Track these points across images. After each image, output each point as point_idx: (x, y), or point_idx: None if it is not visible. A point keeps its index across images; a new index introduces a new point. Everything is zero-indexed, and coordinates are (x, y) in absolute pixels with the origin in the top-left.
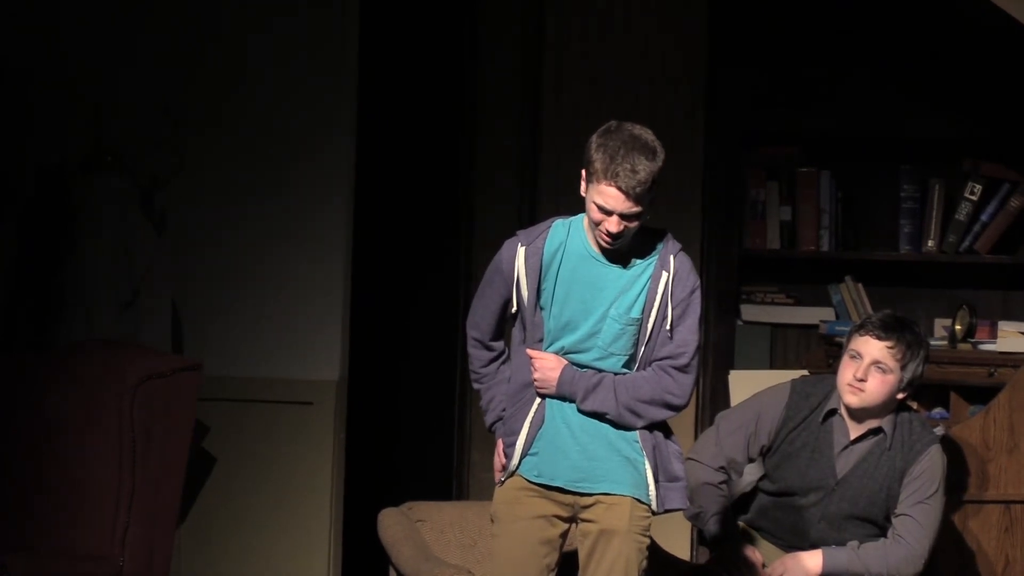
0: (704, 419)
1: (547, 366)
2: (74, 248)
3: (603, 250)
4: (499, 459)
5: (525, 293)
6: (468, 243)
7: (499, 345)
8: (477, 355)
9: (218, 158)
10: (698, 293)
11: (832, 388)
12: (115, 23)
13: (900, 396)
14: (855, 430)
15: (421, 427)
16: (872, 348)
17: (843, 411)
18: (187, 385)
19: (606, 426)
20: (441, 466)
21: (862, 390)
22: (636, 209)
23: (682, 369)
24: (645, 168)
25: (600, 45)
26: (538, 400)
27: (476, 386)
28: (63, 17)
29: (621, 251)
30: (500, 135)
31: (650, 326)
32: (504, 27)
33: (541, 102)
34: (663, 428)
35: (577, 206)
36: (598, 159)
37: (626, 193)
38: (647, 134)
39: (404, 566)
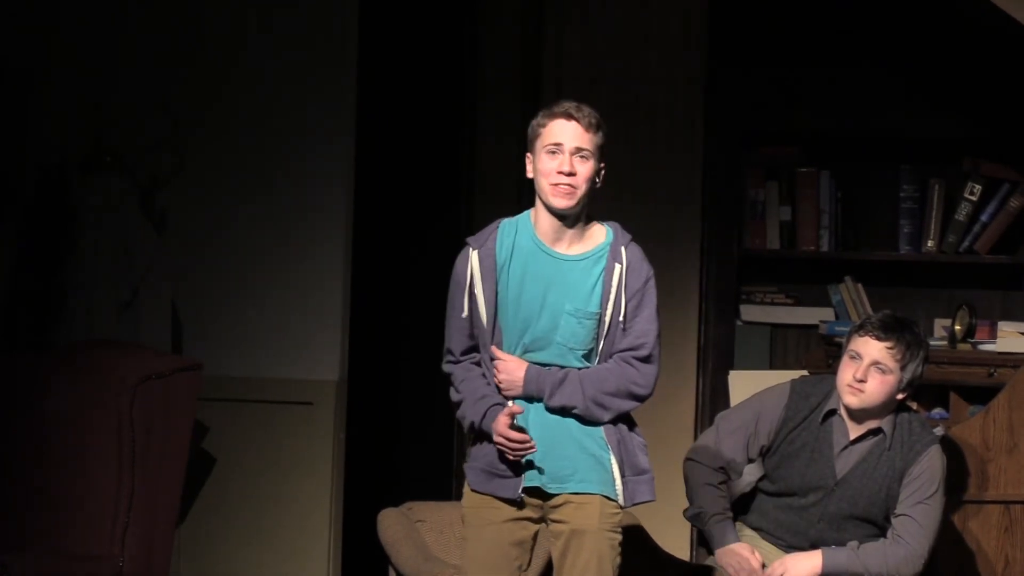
0: (704, 419)
1: (510, 367)
2: (74, 248)
3: (554, 239)
4: (511, 435)
5: (481, 296)
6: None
7: (475, 356)
8: (458, 372)
9: (218, 158)
10: (652, 282)
11: (832, 388)
12: (115, 23)
13: (900, 396)
14: (855, 430)
15: (421, 427)
16: (872, 349)
17: (843, 411)
18: (187, 385)
19: (570, 424)
20: (441, 466)
21: (862, 391)
22: (587, 146)
23: (645, 359)
24: (590, 110)
25: (600, 45)
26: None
27: (457, 396)
28: (63, 17)
29: (573, 241)
30: (500, 135)
31: (607, 319)
32: (504, 27)
33: (541, 102)
34: (627, 421)
35: None
36: (541, 115)
37: (577, 120)
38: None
39: (404, 566)
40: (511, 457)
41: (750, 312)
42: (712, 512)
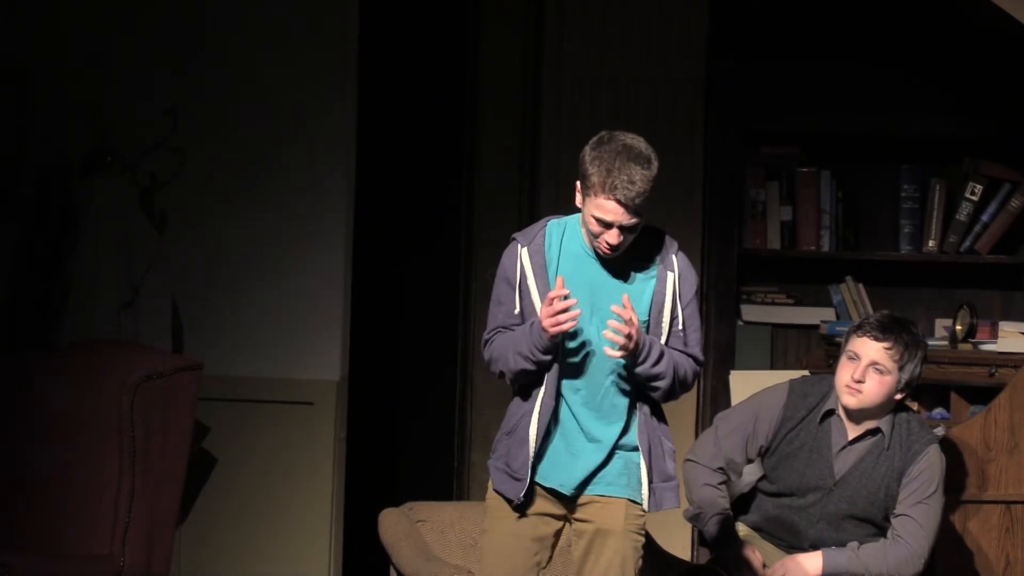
0: (704, 419)
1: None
2: (74, 248)
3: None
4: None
5: (536, 291)
6: (469, 244)
7: None
8: (492, 342)
9: (218, 158)
10: (698, 289)
11: (830, 388)
12: (115, 23)
13: (898, 397)
14: (853, 430)
15: (421, 427)
16: (870, 349)
17: (841, 411)
18: (187, 385)
19: (605, 423)
20: (441, 466)
21: (860, 391)
22: (635, 220)
23: (699, 363)
24: (642, 178)
25: (600, 45)
26: (537, 408)
27: (494, 359)
28: (63, 17)
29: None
30: (500, 135)
31: (665, 327)
32: (504, 27)
33: (541, 102)
34: (660, 427)
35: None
36: (594, 173)
37: (626, 206)
38: (639, 142)
39: (404, 566)
40: (553, 328)
41: (751, 312)
42: (712, 512)
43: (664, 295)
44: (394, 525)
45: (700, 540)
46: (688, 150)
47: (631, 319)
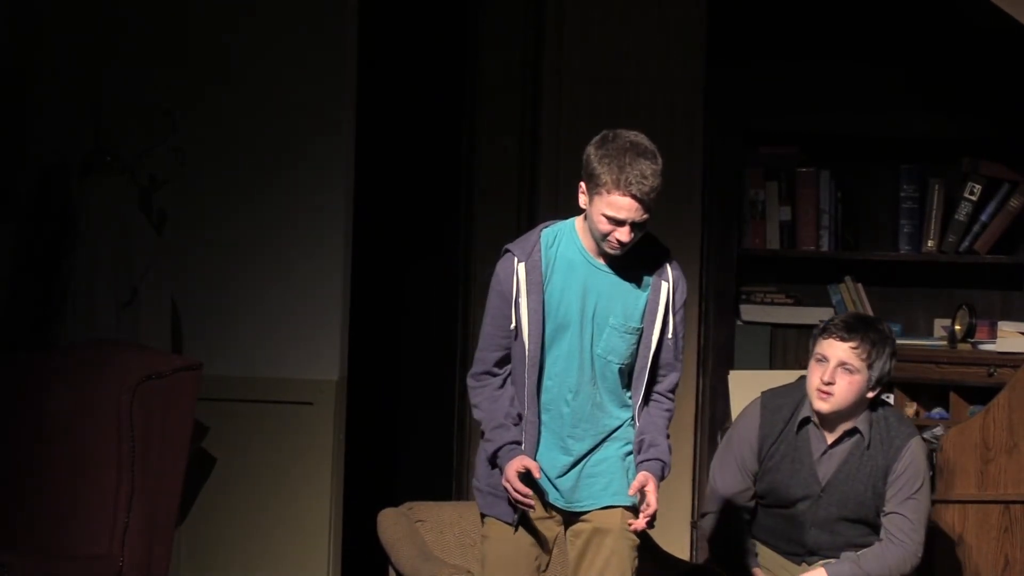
0: (703, 419)
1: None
2: (74, 248)
3: (604, 256)
4: (516, 486)
5: (524, 307)
6: (468, 245)
7: (507, 368)
8: (482, 392)
9: (217, 158)
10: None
11: (802, 396)
12: (114, 23)
13: (870, 395)
14: (831, 435)
15: (421, 427)
16: (837, 350)
17: (815, 418)
18: (187, 385)
19: (602, 434)
20: (441, 466)
21: (831, 394)
22: (647, 216)
23: (676, 385)
24: (653, 172)
25: (600, 44)
26: (535, 427)
27: (477, 412)
28: (62, 17)
29: (618, 257)
30: (500, 136)
31: (656, 336)
32: (504, 27)
33: (540, 103)
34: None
35: (576, 207)
36: (604, 171)
37: (640, 200)
38: (643, 138)
39: (403, 566)
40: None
41: (750, 312)
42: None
43: (658, 304)
44: (393, 525)
45: (699, 540)
46: (687, 150)
47: (647, 506)
